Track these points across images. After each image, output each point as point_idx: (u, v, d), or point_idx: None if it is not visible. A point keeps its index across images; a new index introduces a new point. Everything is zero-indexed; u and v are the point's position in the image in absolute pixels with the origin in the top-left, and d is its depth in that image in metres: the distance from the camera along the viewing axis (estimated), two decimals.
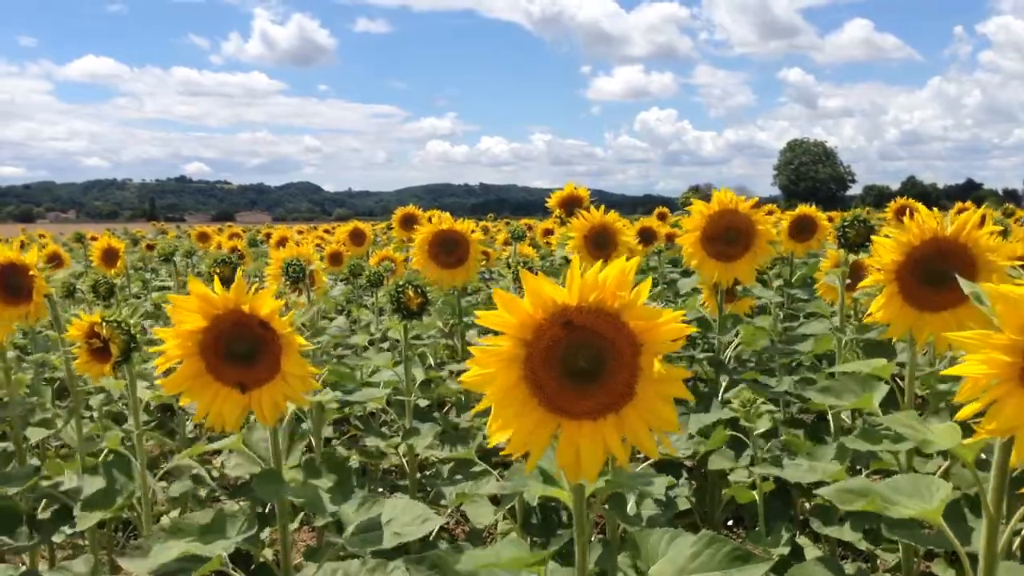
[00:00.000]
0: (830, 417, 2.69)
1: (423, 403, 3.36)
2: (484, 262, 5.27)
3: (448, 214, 3.70)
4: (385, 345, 4.44)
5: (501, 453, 1.09)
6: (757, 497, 2.17)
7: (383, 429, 3.24)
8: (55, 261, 5.66)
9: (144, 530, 2.27)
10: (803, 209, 4.53)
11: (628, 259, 1.05)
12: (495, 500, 2.54)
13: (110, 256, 5.57)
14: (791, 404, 3.21)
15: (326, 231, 15.75)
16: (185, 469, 2.86)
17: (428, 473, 3.08)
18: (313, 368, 1.65)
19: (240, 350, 1.59)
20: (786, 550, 2.15)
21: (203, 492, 2.85)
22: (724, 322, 3.10)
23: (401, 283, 2.71)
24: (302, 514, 2.82)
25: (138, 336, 2.08)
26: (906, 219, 1.69)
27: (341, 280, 6.31)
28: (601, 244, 3.27)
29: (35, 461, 2.86)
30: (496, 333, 1.07)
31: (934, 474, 2.01)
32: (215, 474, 2.94)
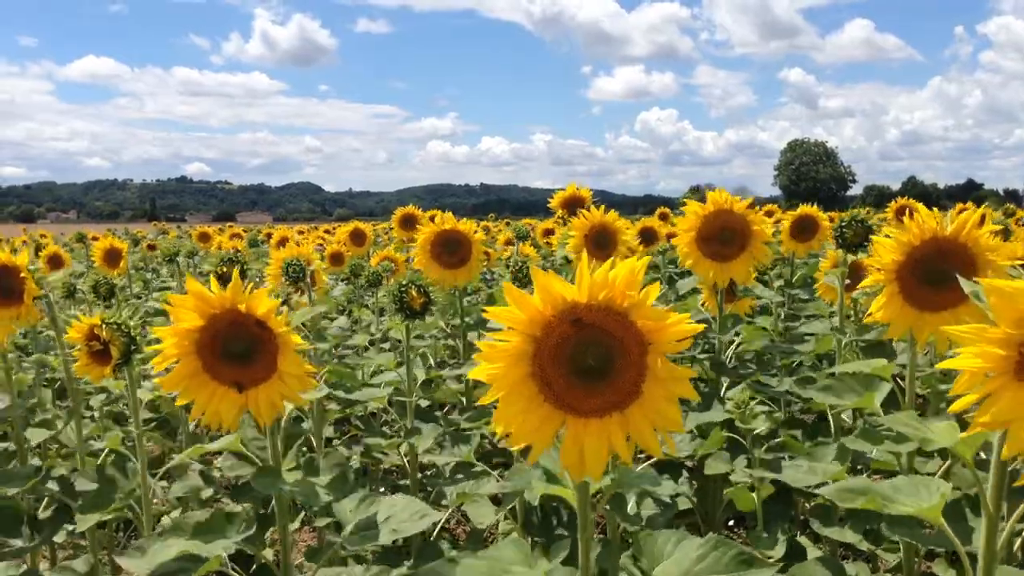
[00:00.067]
0: (830, 417, 2.69)
1: (424, 403, 3.36)
2: (486, 263, 5.28)
3: (450, 214, 3.70)
4: (386, 345, 4.44)
5: (504, 445, 1.10)
6: (756, 500, 2.17)
7: (384, 429, 3.24)
8: (55, 262, 5.66)
9: (144, 530, 2.27)
10: (804, 209, 4.53)
11: (627, 258, 1.06)
12: (496, 500, 2.54)
13: (113, 257, 5.57)
14: (792, 404, 3.21)
15: (327, 231, 15.76)
16: (185, 469, 2.86)
17: (429, 473, 3.08)
18: (310, 367, 1.65)
19: (237, 349, 1.59)
20: (782, 551, 2.15)
21: (204, 493, 2.85)
22: (724, 322, 3.10)
23: (404, 283, 2.71)
24: (302, 514, 2.82)
25: (138, 338, 2.08)
26: (906, 219, 1.69)
27: (342, 280, 6.32)
28: (601, 243, 3.27)
29: (36, 461, 2.86)
30: (504, 329, 1.07)
31: (935, 475, 2.02)
32: (216, 475, 2.94)
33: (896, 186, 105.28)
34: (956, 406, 0.97)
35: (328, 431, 3.40)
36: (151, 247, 10.84)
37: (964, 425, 1.20)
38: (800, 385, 2.90)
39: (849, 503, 1.39)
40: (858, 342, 2.87)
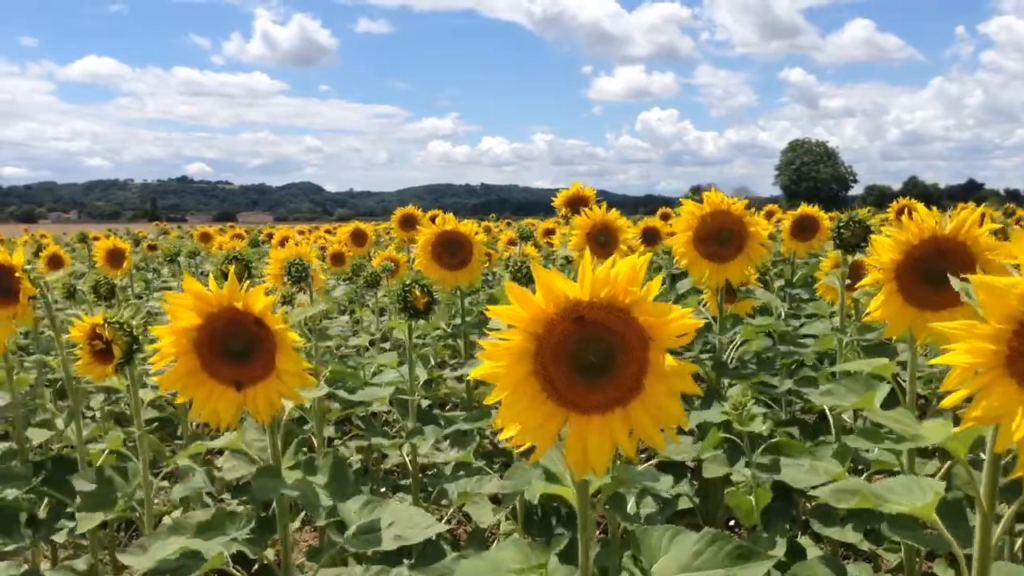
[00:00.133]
0: (830, 417, 2.70)
1: (425, 403, 3.36)
2: (487, 264, 5.28)
3: (451, 215, 3.71)
4: (387, 345, 4.44)
5: (508, 444, 1.10)
6: (754, 502, 2.17)
7: (385, 429, 3.25)
8: (55, 262, 5.66)
9: (146, 530, 2.27)
10: (805, 208, 4.53)
11: (629, 256, 1.07)
12: (496, 500, 2.54)
13: (115, 257, 5.57)
14: (793, 403, 3.21)
15: (327, 231, 15.78)
16: (187, 469, 2.87)
17: (430, 472, 3.08)
18: (308, 364, 1.65)
19: (235, 348, 1.59)
20: (782, 551, 2.14)
21: (206, 494, 2.85)
22: (724, 322, 3.10)
23: (408, 282, 2.71)
24: (303, 514, 2.82)
25: (141, 337, 2.09)
26: (904, 218, 1.70)
27: (344, 280, 6.33)
28: (603, 242, 3.28)
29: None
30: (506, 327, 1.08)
31: (934, 475, 2.02)
32: (218, 475, 2.94)
33: (897, 186, 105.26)
34: (947, 401, 0.98)
35: (329, 431, 3.41)
36: (152, 247, 10.85)
37: (959, 423, 1.20)
38: (801, 386, 2.91)
39: (844, 503, 1.39)
40: (859, 342, 2.87)
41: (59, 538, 2.55)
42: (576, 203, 3.95)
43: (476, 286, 4.73)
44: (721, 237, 2.71)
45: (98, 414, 3.52)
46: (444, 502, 2.68)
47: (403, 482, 3.38)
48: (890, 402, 2.01)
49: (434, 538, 2.42)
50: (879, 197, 73.44)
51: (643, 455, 3.03)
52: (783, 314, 4.03)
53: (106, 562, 2.88)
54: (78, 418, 2.65)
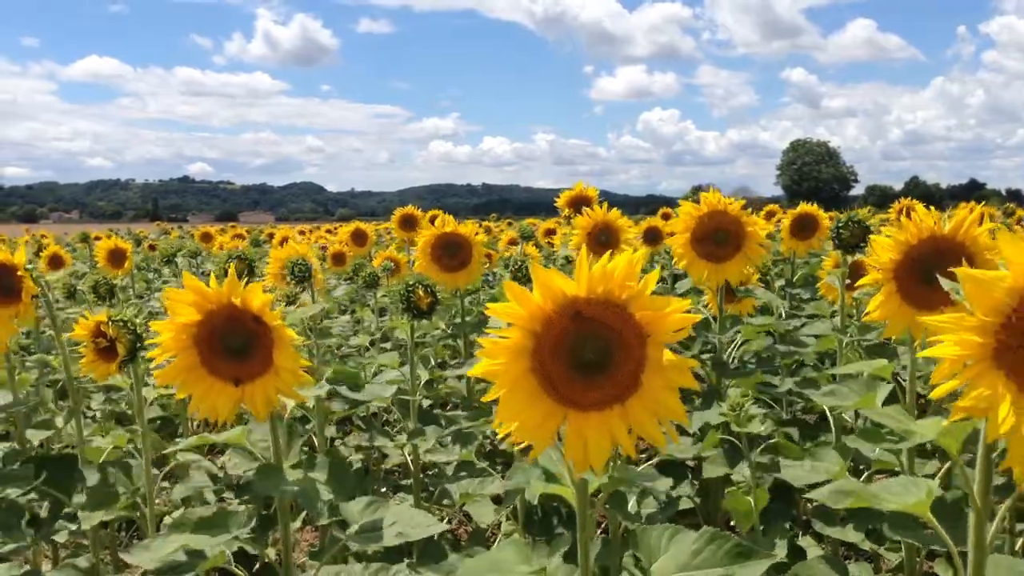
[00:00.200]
0: (830, 417, 2.70)
1: (426, 403, 3.37)
2: (487, 264, 5.28)
3: (451, 216, 3.71)
4: (387, 345, 4.45)
5: (507, 443, 1.10)
6: (753, 503, 2.17)
7: (385, 428, 3.25)
8: (55, 262, 5.67)
9: (148, 529, 2.28)
10: (804, 207, 4.53)
11: (625, 251, 1.07)
12: (497, 500, 2.54)
13: (117, 257, 5.57)
14: (794, 403, 3.21)
15: (328, 231, 15.79)
16: (188, 468, 2.87)
17: (432, 473, 3.08)
18: (305, 361, 1.66)
19: (234, 344, 1.60)
20: (783, 552, 2.15)
21: (208, 494, 2.86)
22: (724, 322, 3.10)
23: (411, 283, 2.71)
24: (304, 513, 2.83)
25: (144, 335, 2.10)
26: (903, 218, 1.70)
27: (345, 280, 6.33)
28: (604, 242, 3.28)
29: None
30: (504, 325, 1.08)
31: (933, 475, 2.02)
32: (220, 474, 2.95)
33: (899, 186, 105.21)
34: (936, 393, 0.99)
35: (330, 431, 3.41)
36: (153, 247, 10.85)
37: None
38: (802, 387, 2.91)
39: (840, 503, 1.40)
40: (860, 342, 2.87)
41: (60, 538, 2.55)
42: (579, 203, 3.96)
43: (477, 286, 4.74)
44: (718, 237, 2.71)
45: (98, 414, 3.52)
46: (445, 502, 2.68)
47: (403, 482, 3.38)
48: (891, 402, 2.01)
49: (435, 538, 2.43)
50: (880, 197, 73.42)
51: (644, 455, 3.03)
52: (783, 314, 4.03)
53: (107, 562, 2.88)
54: (79, 417, 2.65)
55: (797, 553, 2.29)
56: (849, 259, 2.91)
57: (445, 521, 2.60)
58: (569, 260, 3.46)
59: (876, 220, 5.00)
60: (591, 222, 3.29)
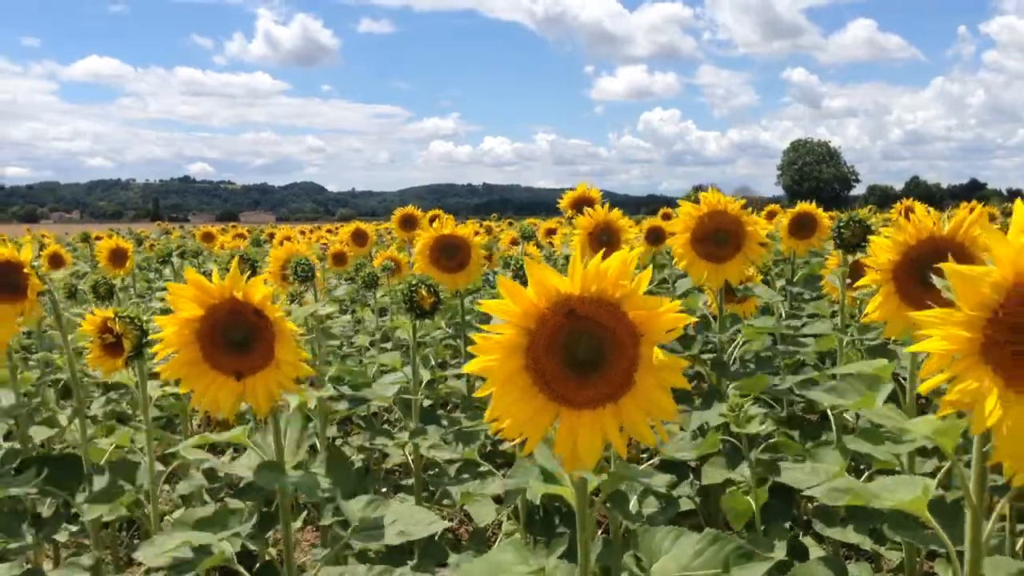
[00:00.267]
0: (831, 417, 2.70)
1: (427, 402, 3.37)
2: (487, 264, 5.29)
3: (450, 219, 3.72)
4: (388, 345, 4.45)
5: (498, 437, 1.11)
6: (753, 504, 2.17)
7: (386, 428, 3.25)
8: (55, 261, 5.67)
9: (152, 526, 2.29)
10: (803, 206, 4.53)
11: (620, 250, 1.07)
12: (498, 499, 2.55)
13: (118, 256, 5.58)
14: (795, 403, 3.21)
15: (329, 231, 15.79)
16: (188, 468, 2.87)
17: (433, 472, 3.09)
18: (306, 354, 1.67)
19: (236, 338, 1.61)
20: (782, 553, 2.15)
21: (207, 493, 2.86)
22: (724, 322, 3.10)
23: (414, 283, 2.71)
24: (305, 513, 2.83)
25: (150, 331, 2.11)
26: (901, 219, 1.70)
27: (345, 280, 6.33)
28: (605, 242, 3.28)
29: None
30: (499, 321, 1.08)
31: (932, 473, 2.02)
32: (220, 473, 2.95)
33: (899, 186, 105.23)
34: (924, 387, 0.99)
35: (331, 430, 3.42)
36: (154, 247, 10.85)
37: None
38: (803, 387, 2.91)
39: (837, 501, 1.40)
40: (861, 341, 2.87)
41: (61, 537, 2.56)
42: (582, 204, 3.95)
43: (477, 286, 4.74)
44: (718, 237, 2.71)
45: (99, 414, 3.53)
46: (446, 502, 2.69)
47: (404, 482, 3.39)
48: (891, 402, 2.01)
49: (436, 539, 2.44)
50: (881, 197, 73.42)
51: (645, 455, 3.03)
52: (783, 313, 4.03)
53: (108, 561, 2.88)
54: (82, 416, 2.66)
55: (798, 553, 2.29)
56: (850, 259, 2.91)
57: (446, 520, 2.60)
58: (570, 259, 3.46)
59: (877, 220, 5.00)
60: (592, 222, 3.29)
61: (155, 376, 2.39)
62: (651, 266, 1.10)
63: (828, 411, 2.69)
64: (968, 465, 1.20)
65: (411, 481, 2.98)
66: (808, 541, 2.50)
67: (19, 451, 2.78)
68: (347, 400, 2.97)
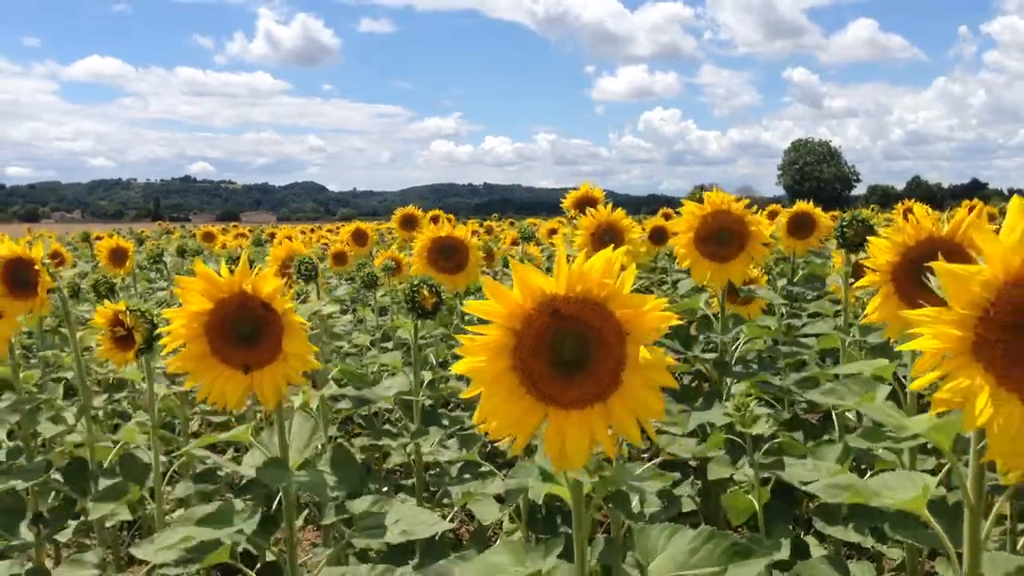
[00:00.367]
0: (834, 416, 2.70)
1: (428, 402, 3.38)
2: (486, 265, 5.29)
3: (447, 223, 3.72)
4: (388, 344, 4.45)
5: (487, 439, 1.11)
6: (756, 503, 2.17)
7: (387, 428, 3.26)
8: (56, 260, 5.67)
9: (157, 524, 2.30)
10: (800, 206, 4.53)
11: (603, 250, 1.07)
12: (499, 499, 2.55)
13: (118, 256, 5.59)
14: (796, 403, 3.21)
15: (329, 231, 15.80)
16: (188, 467, 2.88)
17: (434, 472, 3.09)
18: (314, 347, 1.67)
19: (244, 331, 1.62)
20: (786, 553, 2.15)
21: (208, 492, 2.87)
22: (726, 322, 3.10)
23: (416, 283, 2.71)
24: (306, 512, 2.83)
25: (161, 326, 2.13)
26: (900, 219, 1.69)
27: (346, 280, 6.34)
28: (608, 242, 3.28)
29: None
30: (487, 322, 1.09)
31: (933, 471, 2.02)
32: (220, 472, 2.95)
33: (900, 186, 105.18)
34: (915, 384, 1.00)
35: (331, 430, 3.42)
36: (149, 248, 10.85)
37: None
38: (803, 385, 2.91)
39: (836, 498, 1.40)
40: (864, 341, 2.87)
41: (63, 536, 2.56)
42: (585, 204, 3.94)
43: (478, 286, 4.74)
44: (722, 237, 2.71)
45: (100, 414, 3.53)
46: (446, 501, 2.69)
47: (405, 481, 3.39)
48: (892, 401, 2.01)
49: (438, 538, 2.44)
50: (883, 197, 73.37)
51: (646, 454, 3.03)
52: (784, 313, 4.03)
53: (109, 561, 2.89)
54: (88, 413, 2.67)
55: (800, 552, 2.29)
56: (853, 258, 2.91)
57: (448, 520, 2.60)
58: (570, 259, 3.46)
59: (879, 219, 5.00)
60: (595, 222, 3.28)
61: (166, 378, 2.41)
62: (634, 265, 1.10)
63: (831, 411, 2.69)
64: (966, 463, 1.20)
65: (412, 481, 2.98)
66: (810, 540, 2.50)
67: (21, 449, 2.79)
68: (349, 400, 2.97)
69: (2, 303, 2.29)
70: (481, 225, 13.82)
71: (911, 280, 1.69)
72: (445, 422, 2.88)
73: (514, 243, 8.10)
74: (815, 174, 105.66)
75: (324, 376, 3.01)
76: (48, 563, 2.98)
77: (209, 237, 10.38)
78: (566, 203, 4.09)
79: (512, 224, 14.82)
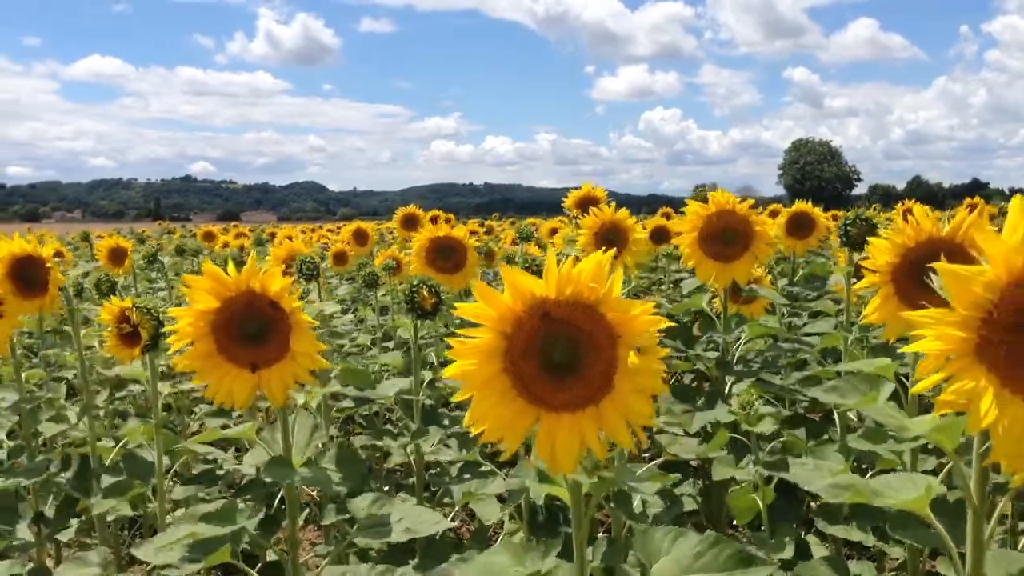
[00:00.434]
0: (836, 416, 2.69)
1: (428, 402, 3.37)
2: (486, 264, 5.28)
3: (444, 223, 3.72)
4: (389, 344, 4.45)
5: (481, 441, 1.11)
6: (759, 502, 2.17)
7: (387, 427, 3.26)
8: (57, 258, 5.67)
9: (160, 522, 2.30)
10: (799, 205, 4.53)
11: (594, 253, 1.07)
12: (501, 498, 2.55)
13: (117, 255, 5.59)
14: (798, 402, 3.21)
15: (330, 230, 15.79)
16: (188, 466, 2.88)
17: (434, 472, 3.09)
18: (322, 345, 1.68)
19: (251, 330, 1.62)
20: (790, 553, 2.15)
21: (209, 492, 2.87)
22: (729, 322, 3.09)
23: (416, 283, 2.71)
24: (307, 511, 2.83)
25: (166, 323, 2.13)
26: (900, 220, 1.69)
27: (346, 280, 6.34)
28: (612, 242, 3.26)
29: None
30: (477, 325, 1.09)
31: (934, 471, 2.02)
32: (220, 472, 2.95)
33: (901, 185, 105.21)
34: (918, 387, 0.99)
35: (332, 430, 3.42)
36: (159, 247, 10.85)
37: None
38: (805, 385, 2.91)
39: (837, 498, 1.40)
40: (866, 339, 2.87)
41: (64, 536, 2.56)
42: (587, 204, 3.93)
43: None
44: (726, 237, 2.71)
45: (101, 413, 3.53)
46: (447, 500, 2.69)
47: (405, 481, 3.39)
48: (894, 401, 2.01)
49: (438, 538, 2.44)
50: (883, 196, 73.36)
51: (647, 454, 3.03)
52: (786, 312, 4.02)
53: (111, 560, 2.89)
54: (90, 412, 2.68)
55: (802, 552, 2.29)
56: (855, 257, 2.91)
57: (449, 519, 2.60)
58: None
59: (880, 219, 5.00)
60: (599, 222, 3.25)
61: (164, 377, 2.41)
62: (620, 270, 1.10)
63: (833, 410, 2.69)
64: (969, 464, 1.20)
65: (412, 480, 2.98)
66: (811, 539, 2.50)
67: (22, 447, 2.79)
68: (350, 399, 2.97)
69: (11, 300, 2.29)
70: (481, 225, 13.81)
71: (911, 281, 1.69)
72: (445, 422, 2.88)
73: (514, 243, 8.10)
74: (816, 174, 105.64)
75: (326, 375, 3.01)
76: (49, 563, 2.98)
77: (210, 237, 10.38)
78: (567, 203, 4.08)
79: (512, 224, 14.81)
